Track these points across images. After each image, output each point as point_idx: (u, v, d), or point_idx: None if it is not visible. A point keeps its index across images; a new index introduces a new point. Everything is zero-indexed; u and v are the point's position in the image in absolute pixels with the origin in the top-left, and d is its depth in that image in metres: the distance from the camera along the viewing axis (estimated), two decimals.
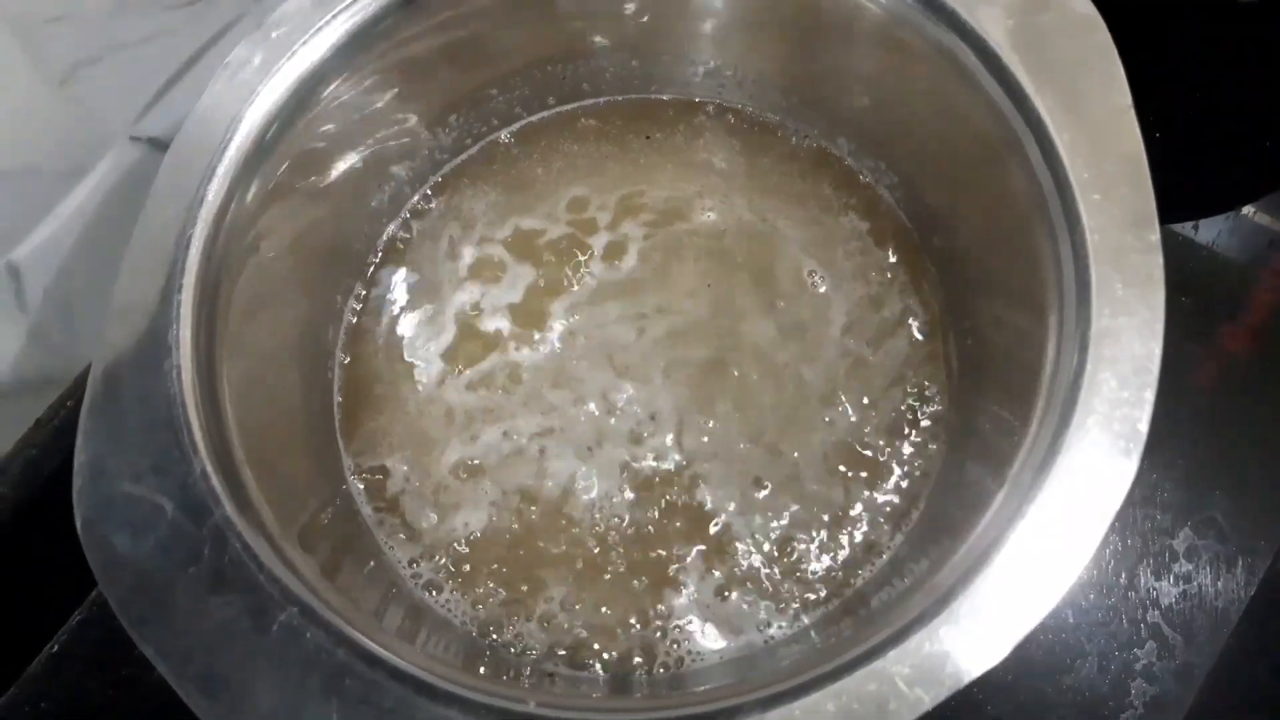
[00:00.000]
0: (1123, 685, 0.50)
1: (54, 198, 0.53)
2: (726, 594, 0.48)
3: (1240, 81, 0.65)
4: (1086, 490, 0.35)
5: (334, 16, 0.45)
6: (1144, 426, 0.36)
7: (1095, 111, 0.40)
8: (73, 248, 0.54)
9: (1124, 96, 0.41)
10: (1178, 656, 0.50)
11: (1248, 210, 0.62)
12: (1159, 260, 0.38)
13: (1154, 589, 0.52)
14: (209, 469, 0.37)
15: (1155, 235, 0.38)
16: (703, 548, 0.49)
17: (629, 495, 0.50)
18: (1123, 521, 0.53)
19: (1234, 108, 0.65)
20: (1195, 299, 0.58)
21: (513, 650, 0.47)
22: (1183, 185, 0.63)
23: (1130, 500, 0.52)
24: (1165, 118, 0.59)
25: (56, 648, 0.51)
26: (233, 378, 0.42)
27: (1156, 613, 0.51)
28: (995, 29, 0.42)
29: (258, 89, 0.43)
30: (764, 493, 0.50)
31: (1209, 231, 0.61)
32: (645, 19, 0.54)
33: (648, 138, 0.58)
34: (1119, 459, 0.36)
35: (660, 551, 0.49)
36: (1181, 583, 0.52)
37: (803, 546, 0.49)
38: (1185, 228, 0.61)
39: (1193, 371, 0.57)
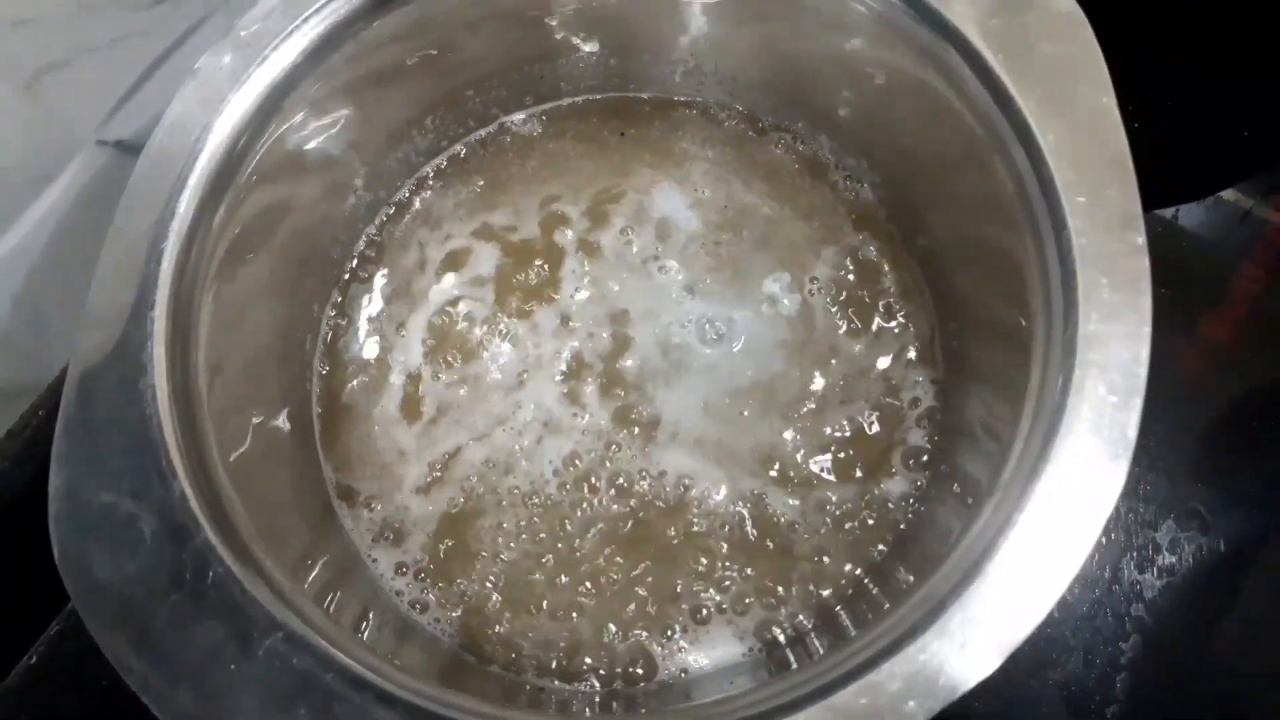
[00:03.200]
0: (1109, 679, 0.50)
1: (21, 203, 0.52)
2: (717, 605, 0.48)
3: (1219, 69, 0.65)
4: (1076, 498, 0.35)
5: (304, 20, 0.44)
6: (1133, 433, 0.36)
7: (1080, 112, 0.40)
8: (41, 254, 0.53)
9: (1109, 96, 0.40)
10: (1162, 649, 0.51)
11: (1229, 195, 0.62)
12: (1145, 264, 0.38)
13: (1138, 582, 0.52)
14: (188, 491, 0.37)
15: (1141, 238, 0.38)
16: (692, 558, 0.49)
17: (617, 501, 0.50)
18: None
19: (1212, 96, 0.65)
20: (1176, 287, 0.58)
21: (502, 666, 0.47)
22: (1163, 172, 0.63)
23: None
24: (1145, 107, 0.59)
25: (34, 659, 0.50)
26: (210, 394, 0.41)
27: (1141, 606, 0.52)
28: (979, 28, 0.42)
29: (228, 97, 0.42)
30: (752, 498, 0.50)
31: (1190, 218, 0.61)
32: (623, 18, 0.53)
33: (622, 134, 0.58)
34: (1108, 466, 0.35)
35: (648, 563, 0.49)
36: (1165, 575, 0.52)
37: (792, 554, 0.49)
38: (1166, 214, 0.61)
39: (1174, 361, 0.58)
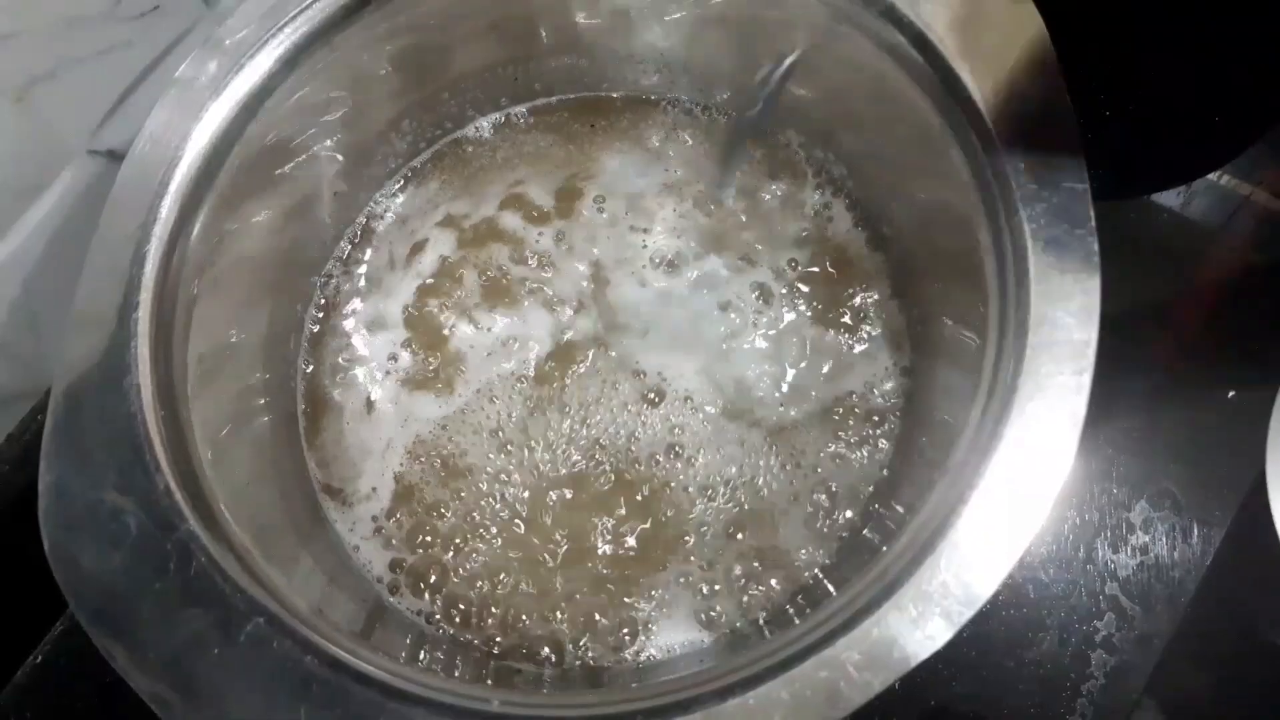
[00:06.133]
0: (1083, 657, 0.51)
1: (15, 213, 0.53)
2: (686, 586, 0.49)
3: (1188, 58, 0.66)
4: (1027, 476, 0.36)
5: (280, 29, 0.45)
6: (1082, 411, 0.37)
7: (1032, 101, 0.41)
8: (37, 262, 0.54)
9: (1060, 86, 0.41)
10: (1136, 627, 0.52)
11: (1201, 181, 0.63)
12: (1094, 246, 0.39)
13: (1112, 561, 0.53)
14: (172, 485, 0.38)
15: (1091, 222, 0.39)
16: (662, 542, 0.50)
17: (585, 489, 0.51)
18: (1080, 496, 0.54)
19: (1184, 84, 0.65)
20: (1152, 271, 0.59)
21: (477, 647, 0.48)
22: (1136, 161, 0.63)
23: (1087, 475, 0.54)
24: (1116, 97, 0.60)
25: (40, 658, 0.51)
26: (195, 391, 0.42)
27: (1115, 585, 0.52)
28: (934, 21, 0.43)
29: (207, 104, 0.44)
30: (723, 479, 0.51)
31: (1163, 204, 0.62)
32: (593, 20, 0.54)
33: (592, 126, 0.59)
34: (1059, 445, 0.37)
35: (618, 549, 0.50)
36: (1139, 554, 0.53)
37: (754, 536, 0.50)
38: (1138, 201, 0.62)
39: (1146, 344, 0.58)
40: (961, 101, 0.42)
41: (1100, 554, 0.53)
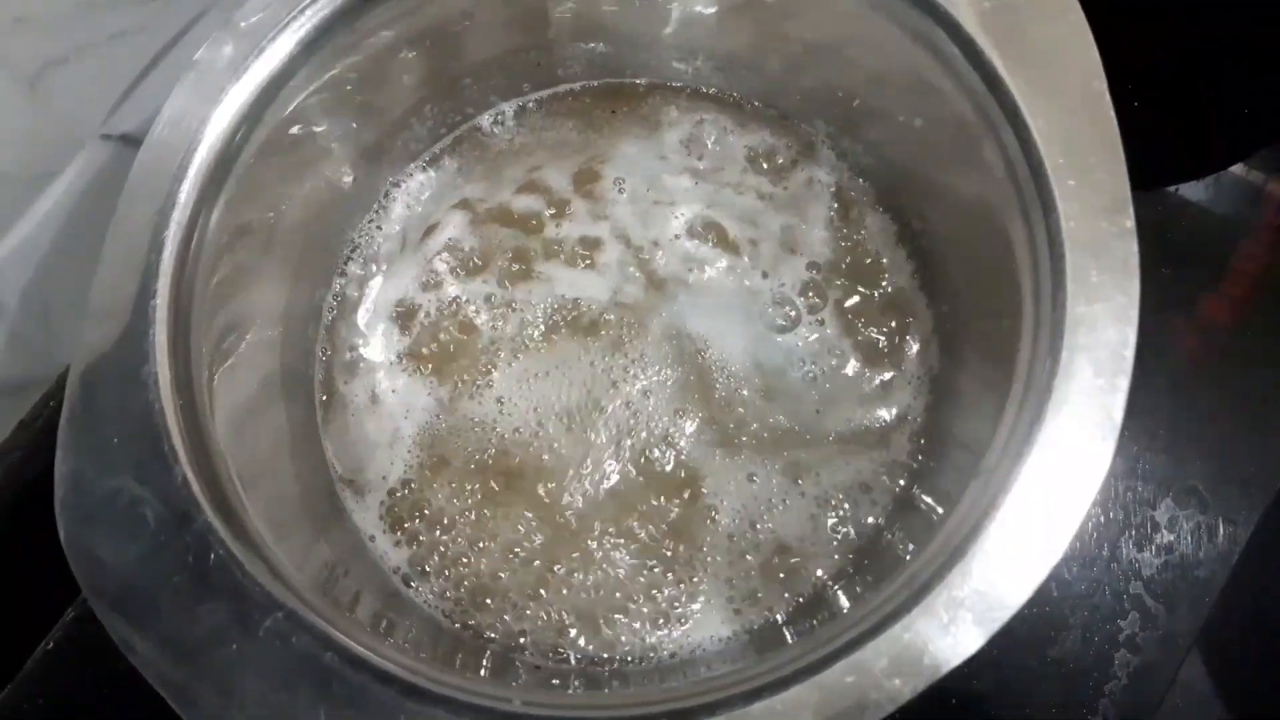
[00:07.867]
0: (1106, 656, 0.51)
1: (27, 199, 0.52)
2: (712, 581, 0.48)
3: (1219, 46, 0.65)
4: (1061, 479, 0.36)
5: (301, 11, 0.44)
6: (1119, 415, 0.36)
7: (1071, 95, 0.40)
8: (49, 248, 0.54)
9: (1099, 80, 0.40)
10: (1160, 626, 0.51)
11: (1231, 173, 0.62)
12: (1134, 246, 0.38)
13: (1136, 560, 0.52)
14: (190, 476, 0.37)
15: (1130, 221, 0.38)
16: (689, 533, 0.49)
17: (606, 477, 0.51)
18: (1104, 494, 0.53)
19: (1212, 73, 0.64)
20: (1177, 266, 0.58)
21: (498, 643, 0.47)
22: (1164, 150, 0.63)
23: (1112, 472, 0.52)
24: (1145, 86, 0.59)
25: (51, 645, 0.51)
26: (213, 380, 0.42)
27: (1139, 584, 0.52)
28: (969, 11, 0.42)
29: (226, 88, 0.43)
30: (746, 478, 0.50)
31: (1191, 196, 0.61)
32: (618, 5, 0.53)
33: (614, 111, 0.59)
34: (1094, 448, 0.36)
35: (641, 541, 0.49)
36: (1163, 553, 0.53)
37: (781, 537, 0.49)
38: (1167, 193, 0.61)
39: (1173, 340, 0.58)
40: (998, 93, 0.41)
41: (1125, 552, 0.53)
